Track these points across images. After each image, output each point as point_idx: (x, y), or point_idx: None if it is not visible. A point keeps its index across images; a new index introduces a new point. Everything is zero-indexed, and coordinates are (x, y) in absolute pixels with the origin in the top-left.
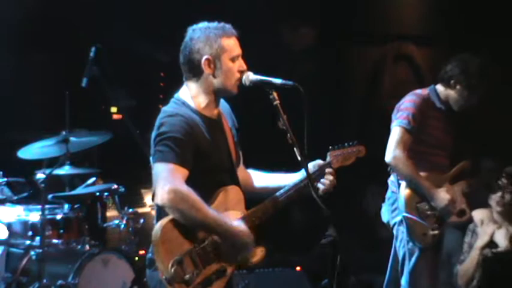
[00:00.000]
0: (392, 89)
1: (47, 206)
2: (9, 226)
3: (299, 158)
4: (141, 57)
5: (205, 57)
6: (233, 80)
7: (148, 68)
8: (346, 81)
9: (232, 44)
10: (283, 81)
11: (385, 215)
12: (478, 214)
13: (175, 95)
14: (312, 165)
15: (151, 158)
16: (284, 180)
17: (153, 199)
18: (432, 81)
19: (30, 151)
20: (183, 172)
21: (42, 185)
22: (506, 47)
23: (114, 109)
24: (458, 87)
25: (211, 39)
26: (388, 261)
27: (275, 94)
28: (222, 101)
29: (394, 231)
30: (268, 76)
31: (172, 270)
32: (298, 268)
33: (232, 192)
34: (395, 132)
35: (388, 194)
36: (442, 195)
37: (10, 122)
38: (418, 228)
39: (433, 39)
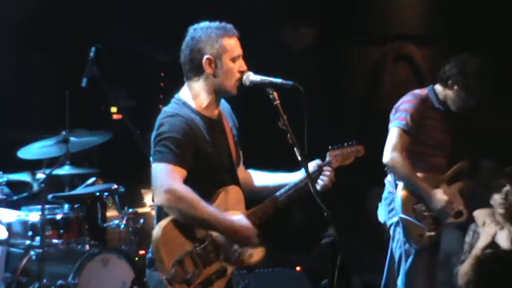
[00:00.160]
0: (392, 89)
1: (47, 206)
2: (9, 226)
3: (299, 158)
4: (141, 57)
5: (206, 56)
6: (233, 81)
7: (148, 68)
8: (346, 81)
9: (233, 44)
10: (283, 81)
11: (382, 215)
12: (479, 214)
13: (176, 95)
14: (312, 165)
15: (151, 158)
16: (284, 179)
17: (153, 199)
18: (432, 81)
19: (30, 151)
20: (181, 172)
21: (42, 185)
22: (506, 47)
23: (114, 109)
24: (455, 87)
25: (213, 39)
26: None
27: (275, 94)
28: (222, 101)
29: (391, 232)
30: (268, 76)
31: (173, 270)
32: (298, 268)
33: (233, 193)
34: (393, 133)
35: (385, 194)
36: (440, 197)
37: (10, 122)
38: (414, 230)
39: (433, 39)
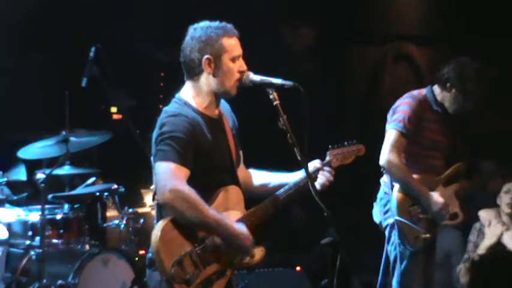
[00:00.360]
0: (392, 89)
1: (47, 206)
2: (9, 226)
3: (299, 158)
4: (141, 57)
5: (206, 56)
6: (233, 81)
7: (148, 68)
8: (346, 81)
9: (233, 44)
10: (283, 81)
11: (377, 215)
12: (485, 214)
13: (177, 95)
14: (312, 165)
15: (152, 158)
16: (284, 179)
17: (153, 199)
18: (432, 81)
19: (30, 151)
20: (184, 172)
21: (42, 185)
22: (506, 47)
23: (114, 109)
24: (453, 91)
25: (213, 39)
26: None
27: (275, 94)
28: (222, 100)
29: (386, 233)
30: (268, 76)
31: (173, 270)
32: (298, 268)
33: (232, 192)
34: (391, 135)
35: (381, 194)
36: (436, 200)
37: (10, 122)
38: (410, 232)
39: (433, 39)
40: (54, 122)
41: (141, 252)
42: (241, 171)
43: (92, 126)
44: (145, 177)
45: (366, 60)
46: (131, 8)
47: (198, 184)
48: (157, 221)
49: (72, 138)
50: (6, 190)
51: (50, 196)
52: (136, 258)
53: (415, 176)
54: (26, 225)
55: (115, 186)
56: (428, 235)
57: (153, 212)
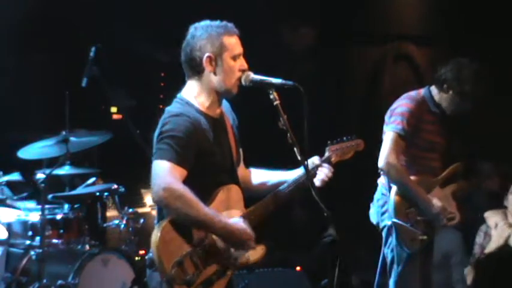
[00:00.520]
0: (392, 89)
1: (47, 206)
2: (9, 226)
3: (299, 158)
4: (141, 57)
5: (206, 54)
6: (233, 79)
7: (148, 68)
8: (346, 81)
9: (233, 43)
10: (283, 81)
11: (374, 216)
12: (491, 216)
13: (178, 95)
14: (311, 161)
15: (152, 158)
16: (283, 177)
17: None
18: (431, 81)
19: (30, 151)
20: (180, 171)
21: (42, 185)
22: (506, 47)
23: (114, 109)
24: (450, 92)
25: (213, 37)
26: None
27: (275, 94)
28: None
29: (383, 234)
30: (268, 76)
31: (173, 272)
32: (298, 268)
33: (232, 191)
34: (389, 137)
35: (378, 195)
36: (434, 203)
37: (10, 122)
38: (407, 234)
39: (433, 39)
40: (54, 122)
41: (141, 252)
42: (241, 170)
43: (92, 126)
44: (145, 177)
45: (366, 60)
46: (131, 8)
47: (199, 183)
48: (158, 221)
49: (72, 138)
50: (6, 190)
51: (50, 196)
52: (137, 258)
53: (412, 177)
54: (26, 225)
55: (115, 186)
56: (425, 237)
57: (153, 212)
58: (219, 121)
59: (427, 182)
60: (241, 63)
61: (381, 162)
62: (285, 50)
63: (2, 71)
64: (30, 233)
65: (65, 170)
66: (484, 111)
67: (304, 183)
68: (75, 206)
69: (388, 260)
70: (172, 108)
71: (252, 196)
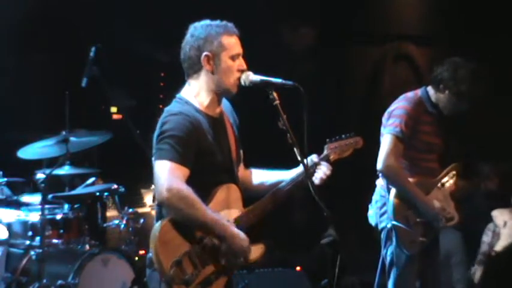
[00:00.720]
0: (392, 89)
1: (47, 206)
2: (9, 226)
3: (299, 158)
4: (141, 57)
5: (204, 53)
6: (232, 79)
7: (148, 68)
8: (346, 81)
9: (232, 43)
10: (283, 81)
11: (373, 218)
12: (499, 215)
13: (178, 95)
14: (309, 159)
15: (153, 158)
16: (282, 176)
17: (153, 199)
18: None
19: (30, 151)
20: (183, 171)
21: (42, 185)
22: (506, 47)
23: (114, 109)
24: (446, 92)
25: (212, 36)
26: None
27: (275, 94)
28: (223, 99)
29: (382, 236)
30: (268, 76)
31: (172, 271)
32: (298, 268)
33: (231, 190)
34: (387, 140)
35: (377, 197)
36: (433, 205)
37: (10, 122)
38: (406, 236)
39: (433, 39)
40: (54, 122)
41: (141, 252)
42: (241, 170)
43: (92, 126)
44: (145, 177)
45: (366, 60)
46: (131, 8)
47: (198, 182)
48: (157, 221)
49: (72, 138)
50: (6, 190)
51: (50, 196)
52: (136, 258)
53: (411, 179)
54: (26, 225)
55: (115, 186)
56: (424, 239)
57: (153, 212)
58: (219, 120)
59: (426, 183)
60: (240, 63)
61: (380, 165)
62: (285, 50)
63: (2, 71)
64: (30, 233)
65: (65, 170)
66: (484, 111)
67: (303, 182)
68: (75, 206)
69: (387, 262)
70: (172, 107)
71: (252, 196)
